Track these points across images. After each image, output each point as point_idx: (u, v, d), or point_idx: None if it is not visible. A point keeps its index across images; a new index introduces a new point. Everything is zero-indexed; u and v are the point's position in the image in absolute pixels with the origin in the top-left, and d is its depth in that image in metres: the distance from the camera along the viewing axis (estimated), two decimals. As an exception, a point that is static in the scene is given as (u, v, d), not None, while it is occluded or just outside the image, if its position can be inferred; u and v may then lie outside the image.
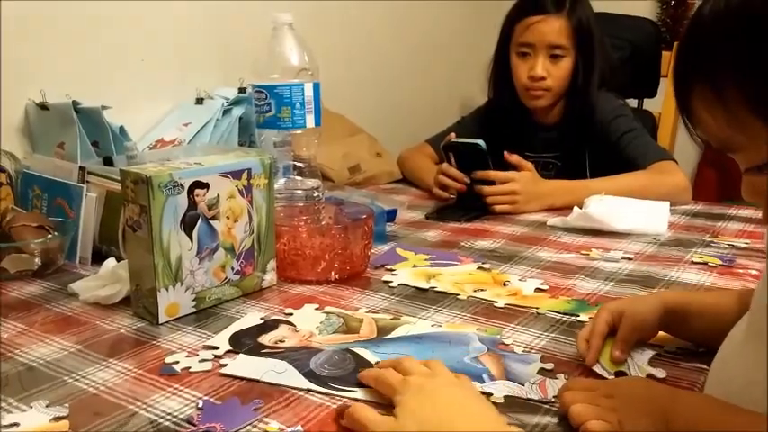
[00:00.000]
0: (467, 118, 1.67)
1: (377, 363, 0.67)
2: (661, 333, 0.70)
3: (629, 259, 1.01)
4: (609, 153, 1.43)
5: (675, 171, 1.37)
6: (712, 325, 0.64)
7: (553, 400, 0.60)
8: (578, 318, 0.79)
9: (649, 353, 0.68)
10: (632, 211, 1.18)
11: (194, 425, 0.57)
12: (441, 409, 0.53)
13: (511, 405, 0.60)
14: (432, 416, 0.52)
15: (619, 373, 0.65)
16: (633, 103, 1.76)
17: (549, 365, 0.67)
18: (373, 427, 0.53)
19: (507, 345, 0.71)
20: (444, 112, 1.97)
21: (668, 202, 1.23)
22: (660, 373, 0.65)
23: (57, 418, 0.58)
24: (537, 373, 0.65)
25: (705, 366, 0.64)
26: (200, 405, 0.60)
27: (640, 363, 0.67)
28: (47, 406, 0.60)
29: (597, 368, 0.65)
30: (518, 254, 1.04)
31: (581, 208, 1.19)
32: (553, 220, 1.21)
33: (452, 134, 1.38)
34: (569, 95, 1.48)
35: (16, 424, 0.57)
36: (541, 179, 1.35)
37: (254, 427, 0.57)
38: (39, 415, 0.58)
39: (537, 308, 0.82)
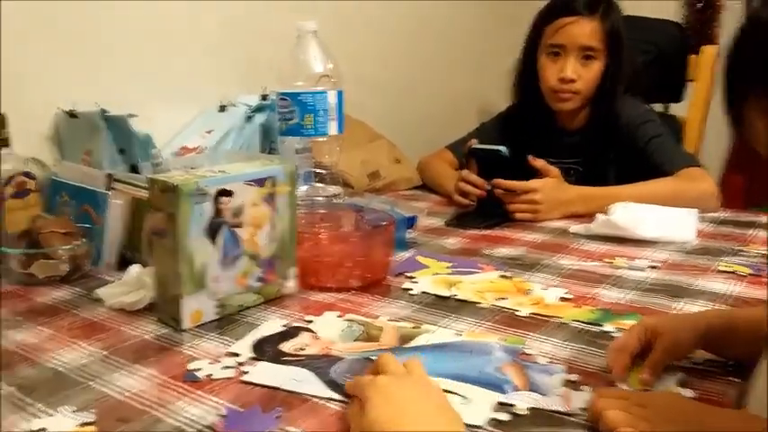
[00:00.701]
0: (487, 123, 1.66)
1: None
2: None
3: (655, 268, 1.00)
4: (635, 159, 1.42)
5: (704, 177, 1.35)
6: (756, 341, 0.62)
7: (578, 412, 0.59)
8: (603, 328, 0.78)
9: (678, 375, 0.66)
10: (658, 219, 1.16)
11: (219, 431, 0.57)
12: (394, 406, 0.53)
13: (535, 417, 0.59)
14: (384, 413, 0.52)
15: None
16: (658, 107, 1.74)
17: (574, 377, 0.66)
18: (349, 417, 0.57)
19: (530, 355, 0.71)
20: (464, 117, 1.97)
21: (696, 210, 1.21)
22: (689, 393, 0.63)
23: (83, 424, 0.59)
24: (561, 384, 0.64)
25: (735, 379, 0.63)
26: (223, 412, 0.60)
27: (669, 384, 0.64)
28: (74, 411, 0.61)
29: (623, 386, 0.64)
30: (540, 262, 1.03)
31: (605, 215, 1.18)
32: (576, 227, 1.20)
33: (473, 140, 1.37)
34: (596, 99, 1.47)
35: (44, 429, 0.58)
36: (565, 185, 1.34)
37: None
38: (65, 420, 0.59)
39: (560, 317, 0.81)
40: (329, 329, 0.78)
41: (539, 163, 1.32)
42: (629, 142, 1.43)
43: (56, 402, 0.63)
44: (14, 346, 0.75)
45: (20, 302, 0.89)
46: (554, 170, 1.33)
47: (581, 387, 0.64)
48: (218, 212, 0.80)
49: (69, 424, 0.59)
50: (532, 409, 0.60)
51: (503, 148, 1.28)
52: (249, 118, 1.37)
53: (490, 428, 0.58)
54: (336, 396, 0.63)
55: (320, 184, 1.11)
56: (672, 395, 0.61)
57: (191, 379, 0.67)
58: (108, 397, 0.64)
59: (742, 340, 0.65)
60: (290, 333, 0.77)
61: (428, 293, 0.90)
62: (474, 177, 1.33)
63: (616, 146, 1.46)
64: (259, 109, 1.39)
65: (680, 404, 0.56)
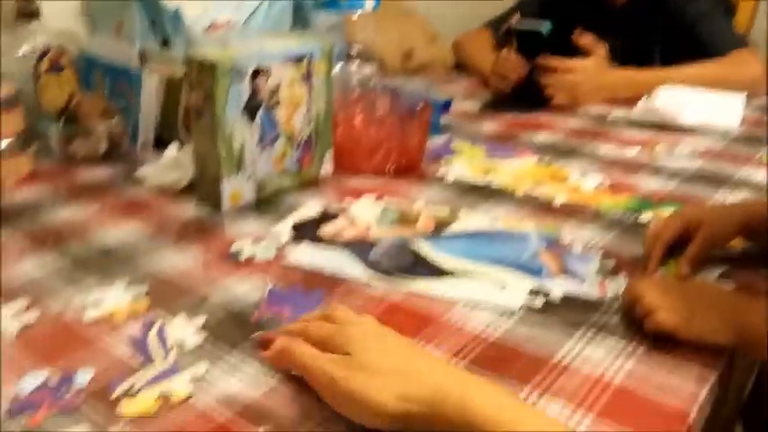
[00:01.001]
0: (528, -3, 1.57)
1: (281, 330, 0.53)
2: None
3: (697, 156, 0.98)
4: (682, 38, 1.35)
5: (754, 61, 1.29)
6: None
7: (613, 299, 0.61)
8: (640, 216, 0.78)
9: (717, 270, 0.66)
10: (702, 104, 1.12)
11: (263, 309, 0.60)
12: (398, 352, 0.45)
13: (569, 303, 0.61)
14: (390, 355, 0.44)
15: None
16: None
17: (610, 264, 0.67)
18: (319, 360, 0.45)
19: (566, 243, 0.72)
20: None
21: (743, 95, 1.16)
22: (729, 285, 0.64)
23: (137, 297, 0.62)
24: (596, 272, 0.65)
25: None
26: (267, 291, 0.63)
27: (709, 276, 0.65)
28: (126, 286, 0.64)
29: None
30: (578, 149, 1.02)
31: (647, 100, 1.14)
32: (616, 113, 1.17)
33: (514, 18, 1.31)
34: None
35: (100, 302, 0.61)
36: (608, 68, 1.29)
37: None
38: (120, 294, 0.62)
39: (597, 206, 0.81)
40: (366, 214, 0.79)
41: (586, 39, 1.26)
42: (676, 20, 1.36)
43: (109, 277, 0.66)
44: (62, 222, 0.78)
45: (61, 180, 0.91)
46: (601, 49, 1.27)
47: (617, 275, 0.65)
48: (255, 92, 0.79)
49: (124, 297, 0.62)
50: (567, 295, 0.62)
51: (544, 28, 1.22)
52: (280, -9, 1.31)
53: (525, 312, 0.59)
54: (375, 278, 0.65)
55: (354, 64, 1.08)
56: (710, 285, 0.62)
57: (234, 258, 0.69)
58: (157, 273, 0.66)
59: None
60: (328, 216, 0.79)
61: (464, 179, 0.90)
62: (512, 58, 1.28)
63: (663, 24, 1.39)
64: (290, -18, 1.32)
65: (718, 294, 0.56)
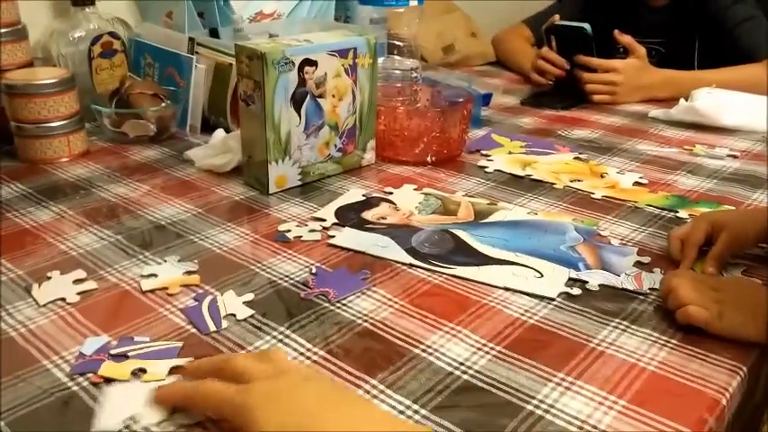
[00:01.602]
0: (569, -4, 1.58)
1: (182, 370, 0.51)
2: None
3: (735, 157, 0.98)
4: (722, 42, 1.34)
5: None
6: None
7: (648, 292, 0.62)
8: (677, 214, 0.79)
9: (739, 268, 0.67)
10: (742, 106, 1.12)
11: (310, 288, 0.62)
12: (305, 409, 0.41)
13: (605, 293, 0.62)
14: (295, 420, 0.41)
15: None
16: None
17: (646, 259, 0.68)
18: (225, 392, 0.43)
19: (604, 236, 0.73)
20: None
21: (784, 99, 1.16)
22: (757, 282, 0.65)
23: (188, 272, 0.65)
24: (633, 265, 0.67)
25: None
26: (313, 271, 0.65)
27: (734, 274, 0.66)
28: (179, 261, 0.67)
29: None
30: (617, 146, 1.03)
31: (687, 100, 1.14)
32: (655, 111, 1.17)
33: (556, 16, 1.31)
34: None
35: (154, 275, 0.64)
36: (648, 68, 1.28)
37: (363, 294, 0.62)
38: (173, 268, 0.66)
39: (635, 201, 0.82)
40: (408, 201, 0.81)
41: (625, 38, 1.27)
42: (717, 23, 1.35)
43: (162, 252, 0.69)
44: (116, 199, 0.82)
45: (114, 159, 0.95)
46: (641, 49, 1.27)
47: (653, 269, 0.66)
48: (302, 82, 0.81)
49: (176, 272, 0.65)
50: (603, 286, 0.63)
51: (586, 26, 1.23)
52: (324, -17, 1.34)
53: (562, 300, 0.61)
54: (417, 263, 0.67)
55: (397, 57, 1.09)
56: (745, 281, 0.63)
57: (281, 239, 0.72)
58: (208, 250, 0.70)
59: None
60: (371, 202, 0.81)
61: (503, 171, 0.92)
62: (554, 55, 1.29)
63: (703, 27, 1.38)
64: (335, -26, 1.35)
65: (753, 291, 0.58)
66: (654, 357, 0.53)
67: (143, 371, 0.51)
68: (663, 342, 0.55)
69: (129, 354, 0.53)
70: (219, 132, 0.97)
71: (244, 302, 0.60)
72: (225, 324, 0.57)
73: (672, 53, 1.43)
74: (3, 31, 0.95)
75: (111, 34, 1.11)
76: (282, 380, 0.44)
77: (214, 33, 1.14)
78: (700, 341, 0.55)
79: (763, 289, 0.58)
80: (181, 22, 1.15)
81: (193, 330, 0.56)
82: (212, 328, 0.56)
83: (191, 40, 1.06)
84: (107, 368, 0.51)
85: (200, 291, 0.62)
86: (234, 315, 0.58)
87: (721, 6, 1.34)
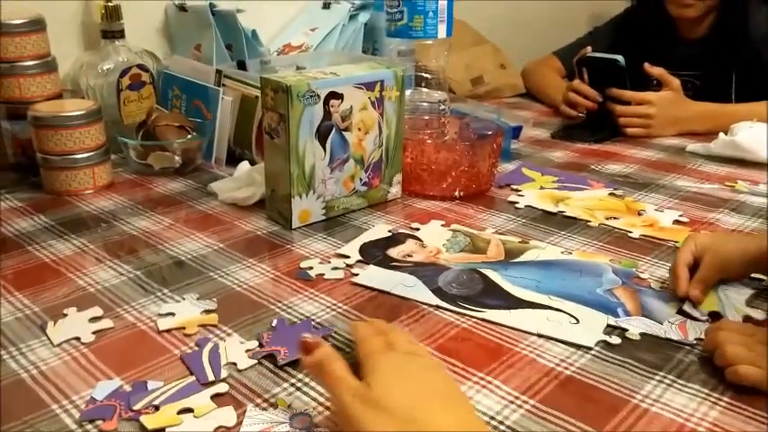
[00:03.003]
0: (600, 28, 1.55)
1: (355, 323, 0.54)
2: None
3: (781, 195, 0.94)
4: (760, 75, 1.30)
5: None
6: None
7: (694, 342, 0.58)
8: (721, 256, 0.74)
9: (747, 292, 0.65)
10: (785, 141, 1.07)
11: (262, 345, 0.57)
12: (414, 391, 0.44)
13: (647, 343, 0.58)
14: (404, 396, 0.43)
15: (712, 314, 0.62)
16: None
17: (689, 306, 0.64)
18: (342, 386, 0.44)
19: (643, 279, 0.69)
20: (575, 21, 1.85)
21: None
22: (759, 314, 0.62)
23: (207, 311, 0.63)
24: (676, 312, 0.63)
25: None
26: (273, 323, 0.60)
27: (737, 303, 0.63)
28: (197, 299, 0.65)
29: (687, 307, 0.62)
30: (654, 181, 0.99)
31: (726, 134, 1.10)
32: (694, 146, 1.13)
33: (588, 48, 1.29)
34: (722, 6, 1.33)
35: (172, 314, 0.62)
36: (684, 100, 1.25)
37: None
38: (191, 307, 0.63)
39: (676, 241, 0.77)
40: (435, 238, 0.78)
41: (656, 71, 1.23)
42: (755, 57, 1.30)
43: (181, 290, 0.67)
44: (138, 233, 0.80)
45: (139, 191, 0.95)
46: (674, 81, 1.23)
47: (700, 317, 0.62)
48: (327, 115, 0.80)
49: (194, 311, 0.63)
50: (645, 335, 0.59)
51: (620, 58, 1.20)
52: (353, 16, 1.34)
53: (600, 349, 0.57)
54: (444, 305, 0.64)
55: (425, 90, 1.08)
56: None
57: (303, 277, 0.69)
58: (227, 288, 0.67)
59: None
60: (397, 239, 0.78)
61: (534, 207, 0.88)
62: (585, 87, 1.26)
63: (740, 60, 1.34)
64: (363, 7, 1.35)
65: None
66: (704, 417, 0.49)
67: (190, 410, 0.49)
68: (714, 400, 0.51)
69: (157, 403, 0.50)
70: (244, 165, 0.95)
71: (247, 350, 0.56)
72: (224, 373, 0.53)
73: (708, 86, 1.38)
74: (32, 63, 0.95)
75: (140, 66, 1.11)
76: (416, 359, 0.47)
77: (242, 66, 1.13)
78: (755, 400, 0.51)
79: None
80: (209, 55, 1.16)
81: (194, 377, 0.53)
82: (211, 377, 0.53)
83: (218, 72, 1.06)
84: (151, 420, 0.48)
85: (208, 335, 0.59)
86: (235, 364, 0.55)
87: (760, 39, 1.30)
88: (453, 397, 0.45)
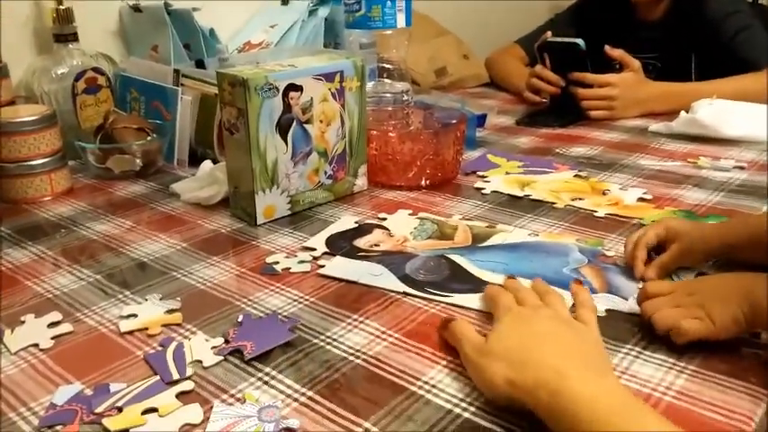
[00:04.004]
0: (560, 16, 1.56)
1: (508, 277, 0.63)
2: None
3: (742, 168, 0.95)
4: (719, 54, 1.32)
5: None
6: None
7: (659, 314, 0.58)
8: (685, 230, 0.75)
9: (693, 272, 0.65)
10: (746, 116, 1.09)
11: (228, 342, 0.56)
12: (528, 336, 0.49)
13: (613, 318, 0.58)
14: (517, 342, 0.49)
15: None
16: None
17: (655, 279, 0.64)
18: (464, 342, 0.51)
19: (609, 256, 0.69)
20: (534, 10, 1.86)
21: (787, 108, 1.13)
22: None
23: (170, 311, 0.61)
24: (641, 287, 0.63)
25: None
26: (239, 319, 0.59)
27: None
28: (160, 299, 0.63)
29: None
30: (618, 161, 0.99)
31: (687, 112, 1.11)
32: (656, 125, 1.14)
33: (548, 33, 1.30)
34: None
35: (134, 315, 0.61)
36: (645, 81, 1.26)
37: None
38: (154, 307, 0.62)
39: (640, 218, 0.78)
40: (402, 227, 0.78)
41: (616, 53, 1.24)
42: (713, 36, 1.32)
43: (143, 291, 0.65)
44: (98, 237, 0.78)
45: (98, 196, 0.92)
46: (635, 63, 1.24)
47: (664, 289, 0.62)
48: (287, 108, 0.79)
49: (157, 311, 0.61)
50: (610, 311, 0.59)
51: (580, 41, 1.21)
52: (312, 12, 1.33)
53: (569, 327, 0.57)
54: (412, 291, 0.63)
55: (387, 81, 1.07)
56: (718, 276, 0.60)
57: (269, 272, 0.68)
58: (191, 287, 0.66)
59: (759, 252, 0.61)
60: (364, 229, 0.77)
61: (500, 193, 0.88)
62: (548, 73, 1.27)
63: (699, 40, 1.36)
64: (322, 2, 1.34)
65: (729, 282, 0.54)
66: (671, 386, 0.49)
67: (154, 409, 0.48)
68: (679, 368, 0.51)
69: (120, 405, 0.49)
70: (206, 164, 0.94)
71: (213, 347, 0.55)
72: (189, 371, 0.52)
73: (668, 67, 1.40)
74: (-18, 70, 0.92)
75: (96, 70, 1.09)
76: (537, 311, 0.54)
77: (200, 65, 1.11)
78: (719, 365, 0.51)
79: (741, 277, 0.54)
80: (167, 55, 1.14)
81: (159, 377, 0.52)
82: (175, 376, 0.52)
83: (176, 71, 1.04)
84: (114, 422, 0.47)
85: (173, 334, 0.58)
86: (200, 361, 0.54)
87: (716, 18, 1.32)
88: (566, 342, 0.49)
